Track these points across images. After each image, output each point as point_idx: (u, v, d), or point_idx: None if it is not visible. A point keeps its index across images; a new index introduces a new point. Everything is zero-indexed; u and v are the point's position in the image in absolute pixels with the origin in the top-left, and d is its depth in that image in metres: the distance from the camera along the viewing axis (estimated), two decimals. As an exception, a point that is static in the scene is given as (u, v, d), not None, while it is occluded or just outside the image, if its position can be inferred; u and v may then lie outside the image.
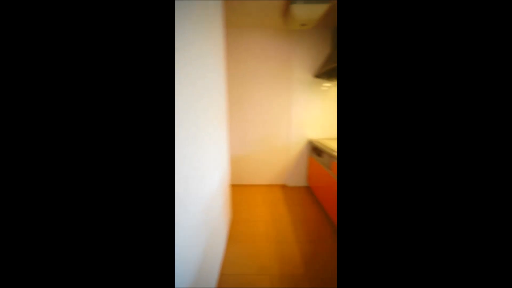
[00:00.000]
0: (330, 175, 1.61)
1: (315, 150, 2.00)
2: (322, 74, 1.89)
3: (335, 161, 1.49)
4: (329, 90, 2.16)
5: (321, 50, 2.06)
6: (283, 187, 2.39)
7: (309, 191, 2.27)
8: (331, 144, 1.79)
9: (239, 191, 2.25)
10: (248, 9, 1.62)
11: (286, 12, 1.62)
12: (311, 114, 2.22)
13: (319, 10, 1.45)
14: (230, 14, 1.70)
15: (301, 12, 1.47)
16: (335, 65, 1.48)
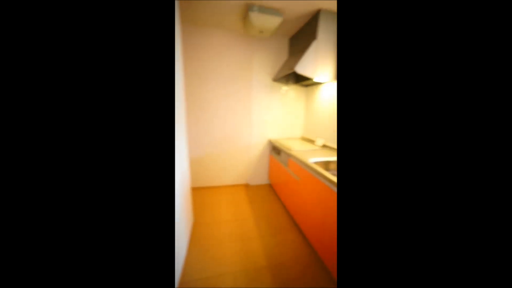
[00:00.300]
0: (287, 171, 1.74)
1: (275, 149, 2.13)
2: (280, 79, 2.03)
3: (291, 159, 1.63)
4: (287, 93, 2.33)
5: (279, 56, 2.21)
6: (246, 186, 2.44)
7: (270, 188, 2.39)
8: (288, 143, 1.94)
9: (202, 194, 2.19)
10: (209, 12, 1.60)
11: (245, 19, 1.67)
12: (271, 115, 2.35)
13: (273, 21, 1.57)
14: (189, 12, 1.64)
15: (258, 21, 1.55)
16: (291, 71, 1.62)
